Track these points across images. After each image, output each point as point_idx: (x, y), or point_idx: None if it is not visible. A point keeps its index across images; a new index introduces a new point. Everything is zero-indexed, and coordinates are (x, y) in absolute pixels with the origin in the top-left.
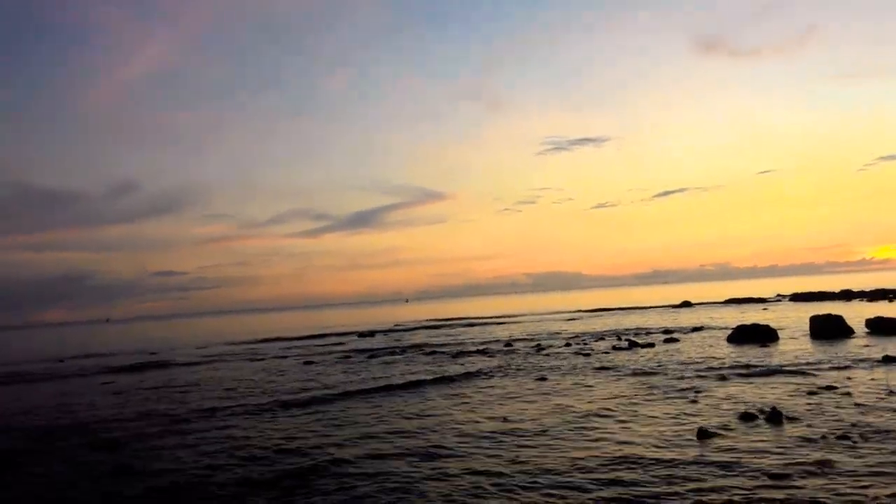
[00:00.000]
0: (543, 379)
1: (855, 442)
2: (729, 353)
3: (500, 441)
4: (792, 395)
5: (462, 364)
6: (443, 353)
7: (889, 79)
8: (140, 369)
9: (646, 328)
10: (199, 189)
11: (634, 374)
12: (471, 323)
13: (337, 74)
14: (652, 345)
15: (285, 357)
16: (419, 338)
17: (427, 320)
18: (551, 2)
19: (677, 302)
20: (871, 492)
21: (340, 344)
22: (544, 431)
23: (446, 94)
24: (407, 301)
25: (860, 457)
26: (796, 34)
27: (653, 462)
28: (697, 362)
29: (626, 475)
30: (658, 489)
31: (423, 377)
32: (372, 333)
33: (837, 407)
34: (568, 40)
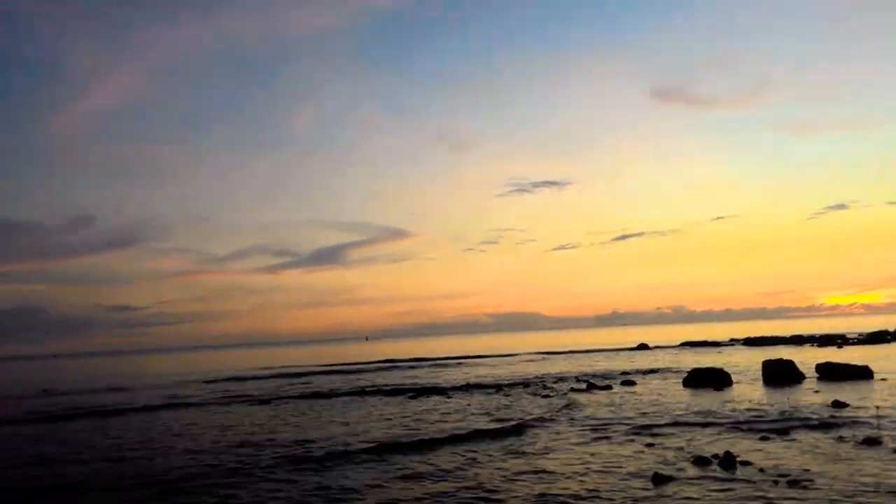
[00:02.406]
0: (500, 420)
1: (805, 487)
2: (684, 397)
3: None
4: (745, 440)
5: (421, 403)
6: (401, 392)
7: (837, 131)
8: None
9: (604, 370)
10: (158, 223)
11: (591, 416)
12: (433, 363)
13: (302, 111)
14: (610, 387)
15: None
16: (378, 377)
17: (386, 360)
18: (516, 49)
19: (634, 344)
20: None
21: (308, 383)
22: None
23: (412, 134)
24: (367, 339)
25: (810, 502)
26: (750, 86)
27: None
28: (653, 406)
29: None
30: None
31: (395, 433)
32: (328, 373)
33: (788, 452)
34: (532, 86)
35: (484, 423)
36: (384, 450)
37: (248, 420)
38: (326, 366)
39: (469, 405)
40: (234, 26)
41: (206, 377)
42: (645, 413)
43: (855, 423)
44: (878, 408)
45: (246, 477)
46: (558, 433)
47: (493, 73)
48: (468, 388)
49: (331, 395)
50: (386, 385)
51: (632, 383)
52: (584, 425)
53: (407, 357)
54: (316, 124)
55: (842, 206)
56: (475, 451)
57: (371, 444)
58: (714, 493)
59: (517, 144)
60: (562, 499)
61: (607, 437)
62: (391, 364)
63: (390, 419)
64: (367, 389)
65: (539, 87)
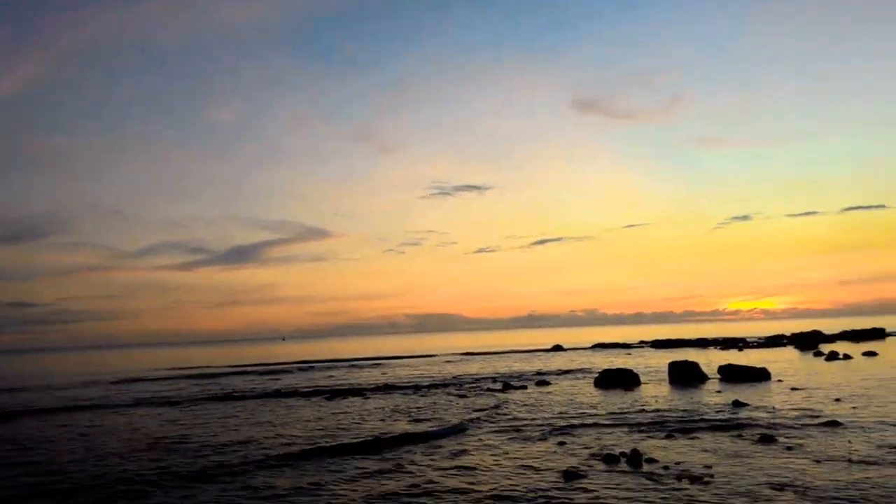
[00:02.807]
0: (416, 420)
1: (706, 482)
2: (595, 398)
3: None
4: (651, 438)
5: (338, 405)
6: (319, 393)
7: (743, 147)
8: None
9: (520, 371)
10: (64, 217)
11: (506, 416)
12: (351, 364)
13: (221, 106)
14: (525, 387)
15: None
16: (295, 379)
17: (303, 361)
18: (444, 55)
19: (550, 345)
20: None
21: (221, 385)
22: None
23: (336, 133)
24: (284, 339)
25: (710, 496)
26: (665, 102)
27: (525, 499)
28: (566, 406)
29: None
30: None
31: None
32: (244, 373)
33: (691, 449)
34: (457, 92)
35: (402, 425)
36: (303, 456)
37: (156, 423)
38: (241, 366)
39: (386, 407)
40: (151, 15)
41: (112, 378)
42: (558, 413)
43: (753, 421)
44: (773, 408)
45: (150, 485)
46: (474, 433)
47: (419, 77)
48: (387, 388)
49: (244, 396)
50: (303, 386)
51: (546, 383)
52: (499, 425)
53: (325, 357)
54: (236, 119)
55: (745, 218)
56: (393, 455)
57: (290, 450)
58: (620, 489)
59: (441, 148)
60: (477, 496)
61: (522, 437)
62: (308, 365)
63: (309, 422)
64: (283, 391)
65: (464, 94)
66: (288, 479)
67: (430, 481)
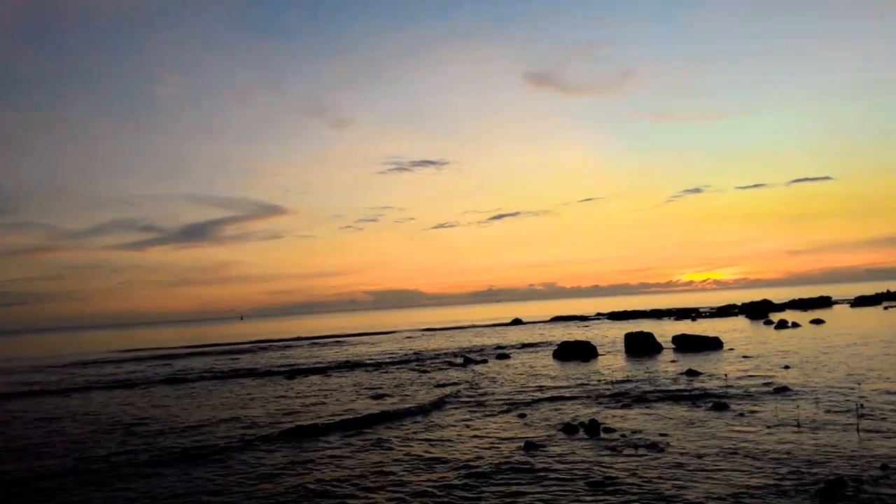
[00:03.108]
0: (380, 397)
1: (661, 449)
2: (554, 370)
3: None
4: (609, 409)
5: (300, 383)
6: (278, 373)
7: (693, 120)
8: None
9: (480, 345)
10: (3, 195)
11: (468, 390)
12: (311, 342)
13: (170, 80)
14: (485, 361)
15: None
16: (254, 358)
17: (262, 340)
18: (395, 28)
19: (509, 320)
20: (668, 484)
21: (175, 366)
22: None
23: (288, 108)
24: (242, 318)
25: (664, 462)
26: (616, 76)
27: (490, 470)
28: (526, 378)
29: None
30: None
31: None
32: (201, 353)
33: (647, 418)
34: (411, 66)
35: (366, 402)
36: (270, 440)
37: (112, 407)
38: (198, 346)
39: (348, 385)
40: None
41: (62, 361)
42: (519, 386)
43: (706, 390)
44: (725, 376)
45: (107, 475)
46: (439, 407)
47: (371, 52)
48: (348, 366)
49: (202, 377)
50: (262, 366)
51: (507, 357)
52: (461, 399)
53: (284, 336)
54: (184, 94)
55: (697, 190)
56: (363, 433)
57: (256, 434)
58: (579, 458)
59: (396, 123)
60: (442, 470)
61: (483, 410)
62: (267, 343)
63: (273, 402)
64: (242, 371)
65: (417, 68)
66: (271, 459)
67: (395, 461)
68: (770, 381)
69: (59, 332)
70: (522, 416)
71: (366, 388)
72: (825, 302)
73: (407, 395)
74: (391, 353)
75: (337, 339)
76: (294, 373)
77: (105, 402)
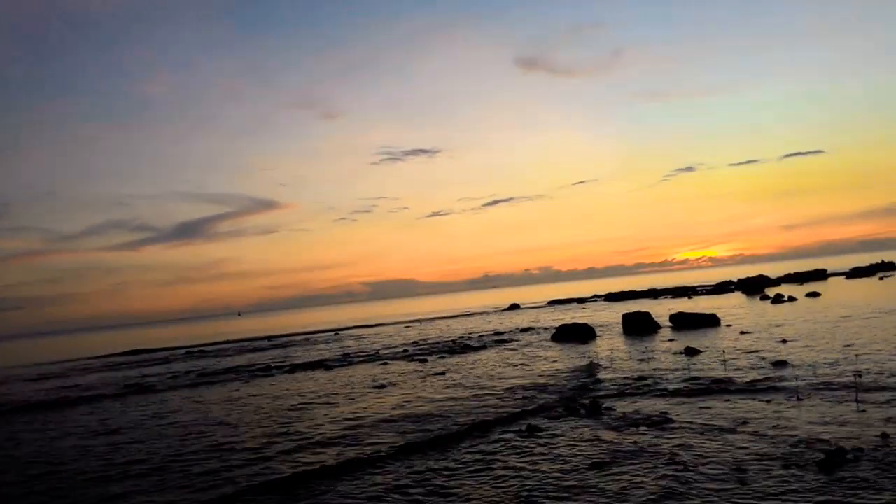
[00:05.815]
0: (382, 386)
1: (663, 427)
2: (553, 352)
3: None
4: (609, 391)
5: (297, 378)
6: (281, 368)
7: (685, 99)
8: None
9: (479, 331)
10: None
11: (469, 376)
12: (310, 335)
13: (157, 78)
14: (485, 347)
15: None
16: (253, 356)
17: (262, 336)
18: (384, 18)
19: (506, 305)
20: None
21: (167, 363)
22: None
23: (278, 101)
24: (239, 315)
25: (667, 441)
26: (606, 57)
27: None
28: (526, 362)
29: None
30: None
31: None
32: (199, 352)
33: (648, 397)
34: (400, 55)
35: (371, 390)
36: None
37: (134, 413)
38: (196, 346)
39: (353, 377)
40: None
41: (67, 364)
42: (519, 370)
43: (705, 367)
44: (724, 352)
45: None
46: (441, 393)
47: (360, 42)
48: (349, 360)
49: (203, 377)
50: (264, 361)
51: (506, 342)
52: (464, 385)
53: (283, 331)
54: (173, 91)
55: (690, 169)
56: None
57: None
58: (580, 437)
59: (387, 113)
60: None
61: (487, 394)
62: (267, 339)
63: (298, 398)
64: (243, 368)
65: (407, 57)
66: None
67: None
68: (768, 355)
69: (57, 335)
70: (524, 398)
71: (368, 382)
72: (820, 275)
73: (408, 383)
74: (390, 344)
75: (336, 332)
76: (296, 367)
77: (125, 407)
